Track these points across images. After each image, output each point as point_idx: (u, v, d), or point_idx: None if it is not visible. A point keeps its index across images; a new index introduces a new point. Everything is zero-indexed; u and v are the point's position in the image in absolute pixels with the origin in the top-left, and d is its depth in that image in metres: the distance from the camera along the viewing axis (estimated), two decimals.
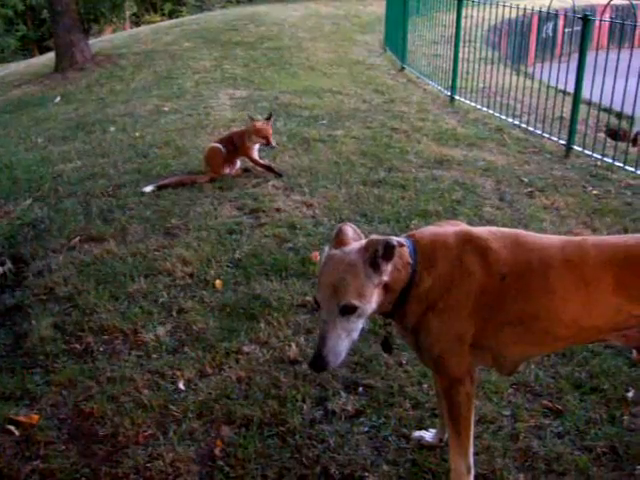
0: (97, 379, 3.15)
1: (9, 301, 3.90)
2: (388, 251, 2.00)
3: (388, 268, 2.04)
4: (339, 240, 2.20)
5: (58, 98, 9.23)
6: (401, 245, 2.05)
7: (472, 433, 2.29)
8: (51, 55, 12.63)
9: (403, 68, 11.08)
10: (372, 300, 2.04)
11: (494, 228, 2.31)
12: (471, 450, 2.30)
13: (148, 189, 5.18)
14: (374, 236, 2.11)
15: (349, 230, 2.23)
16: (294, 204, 4.96)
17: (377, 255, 2.00)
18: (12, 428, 2.88)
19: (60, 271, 4.13)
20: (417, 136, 6.91)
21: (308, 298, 3.67)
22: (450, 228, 2.28)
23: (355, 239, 2.19)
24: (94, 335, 3.49)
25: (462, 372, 2.21)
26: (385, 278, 2.05)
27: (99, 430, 2.83)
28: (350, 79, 10.04)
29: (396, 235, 2.25)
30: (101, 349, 3.38)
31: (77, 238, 4.55)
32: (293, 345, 3.30)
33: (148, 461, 2.64)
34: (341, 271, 2.03)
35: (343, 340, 2.04)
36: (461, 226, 2.33)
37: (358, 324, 2.07)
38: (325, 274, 2.09)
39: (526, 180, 5.72)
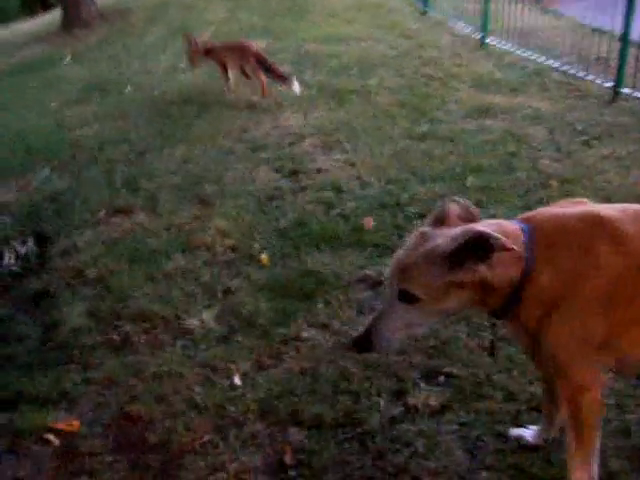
0: (141, 375, 2.79)
1: (35, 286, 3.54)
2: (482, 248, 1.63)
3: (479, 268, 1.66)
4: (440, 219, 1.80)
5: (68, 58, 8.75)
6: (505, 247, 1.64)
7: (598, 443, 1.92)
8: (56, 12, 12.07)
9: (426, 12, 10.46)
10: (444, 298, 1.72)
11: (624, 206, 1.89)
12: (596, 461, 1.94)
13: None
14: (472, 226, 1.72)
15: (455, 209, 1.82)
16: (336, 164, 4.53)
17: (462, 250, 1.64)
18: (51, 437, 2.55)
19: (88, 250, 3.75)
20: (454, 83, 6.40)
21: (368, 272, 3.28)
22: (574, 209, 1.87)
23: (466, 219, 1.79)
24: (132, 323, 3.13)
25: (590, 378, 1.84)
26: (471, 277, 1.68)
27: (149, 437, 2.48)
28: (373, 24, 9.46)
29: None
30: (142, 340, 3.02)
31: (103, 211, 4.16)
32: (359, 328, 2.92)
33: (209, 473, 2.30)
34: (416, 254, 1.71)
35: (397, 328, 1.78)
36: (587, 206, 1.92)
37: (421, 317, 1.77)
38: (401, 250, 1.77)
39: (579, 128, 5.23)
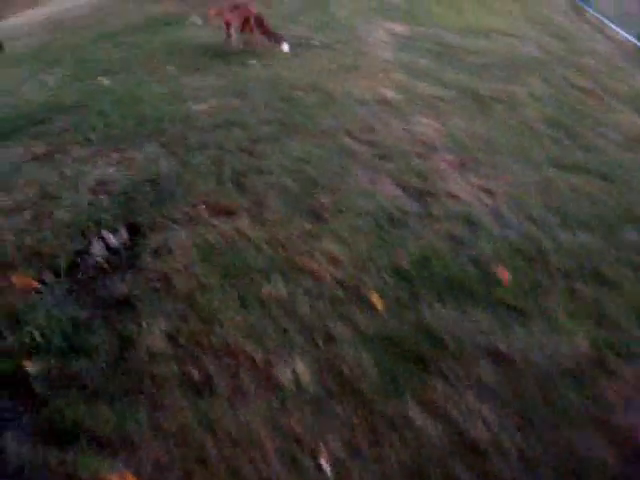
0: (215, 432, 2.37)
1: (119, 289, 3.16)
2: None
3: None
4: None
5: (194, 17, 8.40)
6: None
7: None
8: None
9: (585, 10, 9.51)
10: None
11: None
12: None
13: None
14: None
15: None
16: (470, 188, 3.94)
17: None
18: None
19: (181, 254, 3.34)
20: (613, 102, 5.64)
21: (497, 344, 2.72)
22: None
23: None
24: (215, 357, 2.71)
25: None
26: None
27: None
28: (523, 18, 8.68)
29: None
30: (224, 384, 2.58)
31: (204, 206, 3.74)
32: (479, 422, 2.38)
33: None
34: None
35: None
36: None
37: None
38: None
39: None
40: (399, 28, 7.33)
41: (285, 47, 6.46)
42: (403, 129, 4.62)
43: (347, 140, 4.44)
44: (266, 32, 6.57)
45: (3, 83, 7.00)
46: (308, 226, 3.50)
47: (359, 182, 3.94)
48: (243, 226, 3.52)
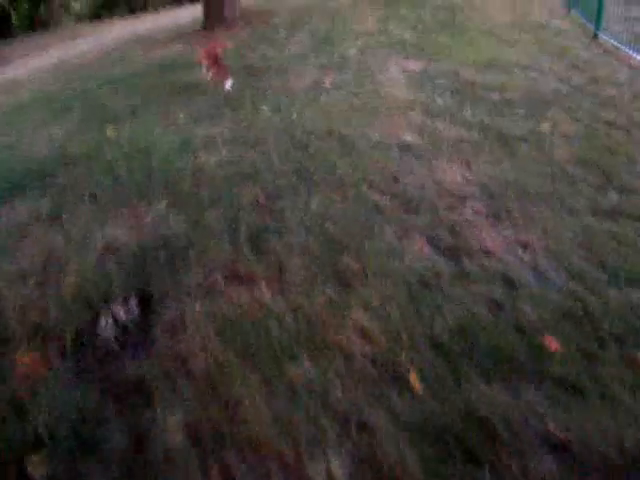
0: None
1: (130, 372, 2.90)
2: None
3: None
4: None
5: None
6: None
7: None
8: (198, 8, 11.69)
9: (596, 35, 9.28)
10: None
11: None
12: None
13: None
14: None
15: None
16: (505, 241, 3.65)
17: None
18: None
19: (196, 329, 3.08)
20: None
21: (553, 429, 2.42)
22: None
23: None
24: (238, 453, 2.43)
25: None
26: None
27: None
28: (537, 48, 8.42)
29: None
30: None
31: (219, 275, 3.48)
32: None
33: None
34: None
35: None
36: None
37: None
38: None
39: None
40: (412, 64, 7.11)
41: (228, 85, 6.83)
42: (428, 177, 4.35)
43: (369, 192, 4.18)
44: (219, 68, 6.99)
45: (10, 135, 6.82)
46: (334, 294, 3.22)
47: (385, 240, 3.66)
48: (263, 296, 3.26)
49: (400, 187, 4.21)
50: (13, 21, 29.41)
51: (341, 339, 2.91)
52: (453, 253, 3.52)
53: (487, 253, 3.51)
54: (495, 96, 6.08)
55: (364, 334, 2.93)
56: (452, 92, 6.09)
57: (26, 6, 29.12)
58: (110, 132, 5.92)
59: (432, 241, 3.64)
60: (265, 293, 3.27)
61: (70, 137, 6.14)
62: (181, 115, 6.09)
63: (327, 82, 6.51)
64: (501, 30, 9.38)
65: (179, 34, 11.10)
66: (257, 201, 4.22)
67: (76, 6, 32.19)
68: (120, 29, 17.70)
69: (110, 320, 3.26)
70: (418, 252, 3.54)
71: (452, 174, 4.36)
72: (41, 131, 6.76)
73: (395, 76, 6.68)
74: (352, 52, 7.78)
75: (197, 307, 3.24)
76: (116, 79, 8.68)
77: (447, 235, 3.68)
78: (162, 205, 4.38)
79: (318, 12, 10.46)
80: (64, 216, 4.47)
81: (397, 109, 5.61)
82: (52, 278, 3.72)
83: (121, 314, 3.30)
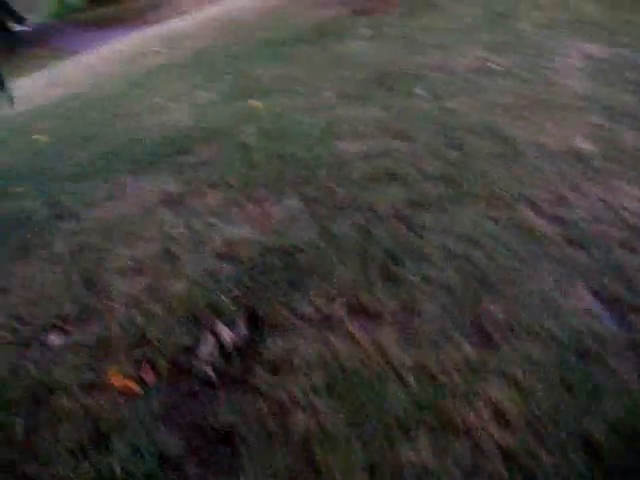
0: None
1: (222, 418, 2.50)
2: None
3: None
4: None
5: (363, 29, 7.67)
6: None
7: None
8: None
9: None
10: None
11: None
12: None
13: None
14: None
15: None
16: None
17: None
18: None
19: (305, 373, 2.63)
20: None
21: None
22: None
23: None
24: None
25: None
26: None
27: None
28: None
29: None
30: None
31: (341, 304, 3.00)
32: None
33: None
34: None
35: None
36: None
37: None
38: None
39: None
40: (596, 49, 6.17)
41: None
42: (603, 201, 3.61)
43: (529, 213, 3.51)
44: None
45: (152, 100, 6.66)
46: (470, 352, 2.64)
47: (541, 282, 3.01)
48: (386, 340, 2.74)
49: (566, 211, 3.51)
50: None
51: (469, 417, 2.34)
52: (624, 312, 2.82)
53: None
54: None
55: (498, 414, 2.35)
56: (638, 89, 5.17)
57: None
58: (252, 107, 5.54)
59: (598, 291, 2.95)
60: (389, 338, 2.76)
61: (212, 108, 5.84)
62: (329, 93, 5.60)
63: (493, 65, 5.77)
64: None
65: None
66: (396, 210, 3.67)
67: None
68: None
69: (212, 344, 2.88)
70: (579, 305, 2.87)
71: (633, 199, 3.59)
72: (185, 98, 6.53)
73: (574, 62, 5.81)
74: (528, 29, 6.91)
75: (311, 343, 2.78)
76: (272, 42, 8.32)
77: (618, 285, 2.97)
78: (292, 202, 3.95)
79: None
80: (188, 202, 4.16)
81: (572, 106, 4.81)
82: (162, 279, 3.40)
83: (226, 338, 2.91)
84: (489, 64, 5.78)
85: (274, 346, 2.79)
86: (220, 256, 3.51)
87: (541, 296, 2.91)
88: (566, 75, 5.46)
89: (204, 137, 5.10)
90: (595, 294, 2.92)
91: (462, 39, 6.67)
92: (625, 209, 3.51)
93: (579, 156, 4.06)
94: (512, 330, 2.73)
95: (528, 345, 2.65)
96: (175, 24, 14.04)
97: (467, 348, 2.65)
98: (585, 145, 4.20)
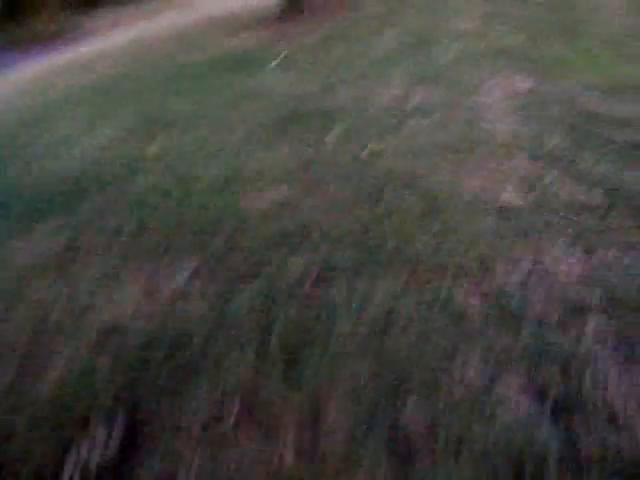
0: None
1: None
2: None
3: None
4: None
5: (278, 60, 7.23)
6: None
7: None
8: None
9: None
10: None
11: None
12: None
13: None
14: None
15: None
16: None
17: None
18: None
19: None
20: None
21: None
22: None
23: None
24: None
25: None
26: None
27: None
28: None
29: None
30: None
31: (234, 404, 2.51)
32: None
33: None
34: None
35: None
36: None
37: None
38: None
39: None
40: (520, 83, 5.87)
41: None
42: (534, 267, 3.21)
43: (454, 287, 3.08)
44: None
45: (50, 138, 6.06)
46: (384, 473, 2.18)
47: (468, 376, 2.58)
48: (284, 459, 2.25)
49: (496, 282, 3.10)
50: None
51: None
52: (563, 412, 2.41)
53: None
54: (624, 136, 4.81)
55: None
56: (568, 128, 4.86)
57: None
58: (152, 152, 5.01)
59: (535, 387, 2.53)
60: (288, 455, 2.27)
61: (108, 152, 5.29)
62: (237, 134, 5.12)
63: (413, 101, 5.39)
64: (625, 38, 7.96)
65: (258, 19, 10.12)
66: (301, 281, 3.20)
67: None
68: (203, 7, 16.96)
69: (80, 461, 2.34)
70: (513, 405, 2.44)
71: (567, 266, 3.21)
72: (83, 137, 5.96)
73: (497, 99, 5.48)
74: (447, 59, 6.58)
75: (196, 462, 2.27)
76: (186, 71, 7.82)
77: (558, 377, 2.57)
78: (186, 271, 3.45)
79: (412, 4, 9.24)
80: (66, 271, 3.61)
81: (498, 150, 4.45)
82: (36, 366, 2.86)
83: (95, 450, 2.38)
84: (408, 101, 5.39)
85: (152, 462, 2.27)
86: (97, 345, 2.98)
87: (468, 396, 2.47)
88: (490, 114, 5.11)
89: (93, 189, 4.55)
90: (532, 391, 2.50)
91: (381, 72, 6.29)
92: (561, 278, 3.12)
93: (508, 211, 3.67)
94: (434, 442, 2.27)
95: (451, 464, 2.20)
96: (93, 46, 13.40)
97: (379, 468, 2.19)
98: (514, 197, 3.82)
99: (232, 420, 2.46)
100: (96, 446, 2.42)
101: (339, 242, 3.49)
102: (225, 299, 3.12)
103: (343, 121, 5.09)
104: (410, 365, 2.63)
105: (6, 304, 3.45)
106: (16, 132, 6.55)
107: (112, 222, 4.01)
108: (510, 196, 3.84)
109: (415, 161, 4.34)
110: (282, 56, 7.02)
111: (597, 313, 2.88)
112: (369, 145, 4.53)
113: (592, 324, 2.81)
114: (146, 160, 4.85)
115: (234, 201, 4.01)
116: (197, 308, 3.09)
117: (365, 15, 8.75)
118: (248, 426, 2.44)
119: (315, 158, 4.51)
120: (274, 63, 7.00)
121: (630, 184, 3.94)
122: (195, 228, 3.77)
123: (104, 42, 14.06)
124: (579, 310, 2.90)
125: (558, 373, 2.58)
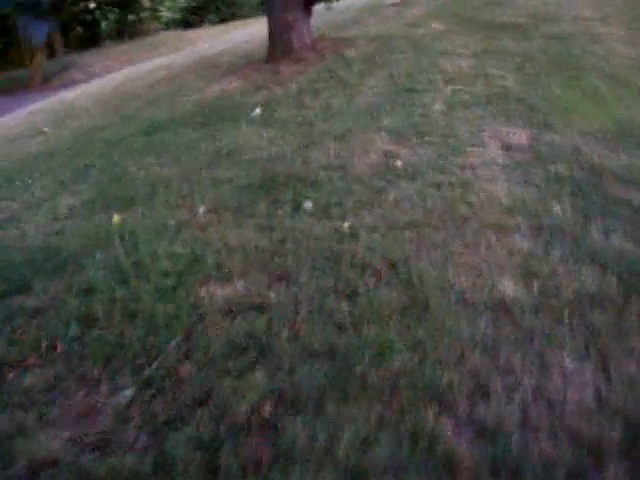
0: None
1: None
2: None
3: None
4: None
5: (257, 111, 6.74)
6: None
7: None
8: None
9: None
10: None
11: None
12: None
13: None
14: None
15: None
16: None
17: None
18: None
19: None
20: None
21: None
22: None
23: None
24: None
25: None
26: None
27: None
28: None
29: None
30: None
31: None
32: None
33: None
34: None
35: None
36: None
37: None
38: None
39: None
40: (517, 136, 5.32)
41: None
42: (539, 391, 2.65)
43: (439, 421, 2.53)
44: None
45: (19, 203, 5.60)
46: None
47: None
48: None
49: (489, 414, 2.54)
50: (102, 29, 29.13)
51: None
52: None
53: None
54: (636, 197, 4.28)
55: None
56: (572, 189, 4.33)
57: (116, 14, 28.80)
58: (109, 228, 4.50)
59: None
60: None
61: (72, 222, 4.81)
62: (202, 206, 4.60)
63: (399, 162, 4.85)
64: (630, 72, 7.47)
65: (246, 62, 9.68)
66: (259, 412, 2.65)
67: (167, 14, 31.77)
68: (200, 42, 16.64)
69: None
70: None
71: (583, 386, 2.65)
72: (44, 204, 5.48)
73: (492, 156, 4.94)
74: (437, 108, 6.06)
75: None
76: (158, 125, 7.35)
77: None
78: (126, 392, 2.90)
79: (402, 43, 8.74)
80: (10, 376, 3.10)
81: (493, 224, 3.90)
82: None
83: None
84: (394, 162, 4.86)
85: None
86: None
87: None
88: (484, 175, 4.56)
89: (55, 266, 4.08)
90: None
91: (365, 124, 5.77)
92: (574, 405, 2.56)
93: (505, 309, 3.12)
94: None
95: None
96: (71, 94, 13.06)
97: None
98: (511, 290, 3.27)
99: None
100: None
101: (306, 355, 2.94)
102: (167, 431, 2.58)
103: (320, 189, 4.55)
104: None
105: None
106: None
107: (54, 320, 3.49)
108: (510, 289, 3.28)
109: (400, 240, 3.80)
110: (259, 112, 6.51)
111: (616, 456, 2.31)
112: (345, 224, 3.99)
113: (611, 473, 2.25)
114: (105, 236, 4.34)
115: (192, 294, 3.48)
116: (134, 440, 2.56)
117: (354, 56, 8.27)
118: None
119: (287, 235, 3.98)
120: (254, 114, 6.50)
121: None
122: (143, 333, 3.23)
123: (88, 87, 13.76)
124: (595, 454, 2.34)
125: None
